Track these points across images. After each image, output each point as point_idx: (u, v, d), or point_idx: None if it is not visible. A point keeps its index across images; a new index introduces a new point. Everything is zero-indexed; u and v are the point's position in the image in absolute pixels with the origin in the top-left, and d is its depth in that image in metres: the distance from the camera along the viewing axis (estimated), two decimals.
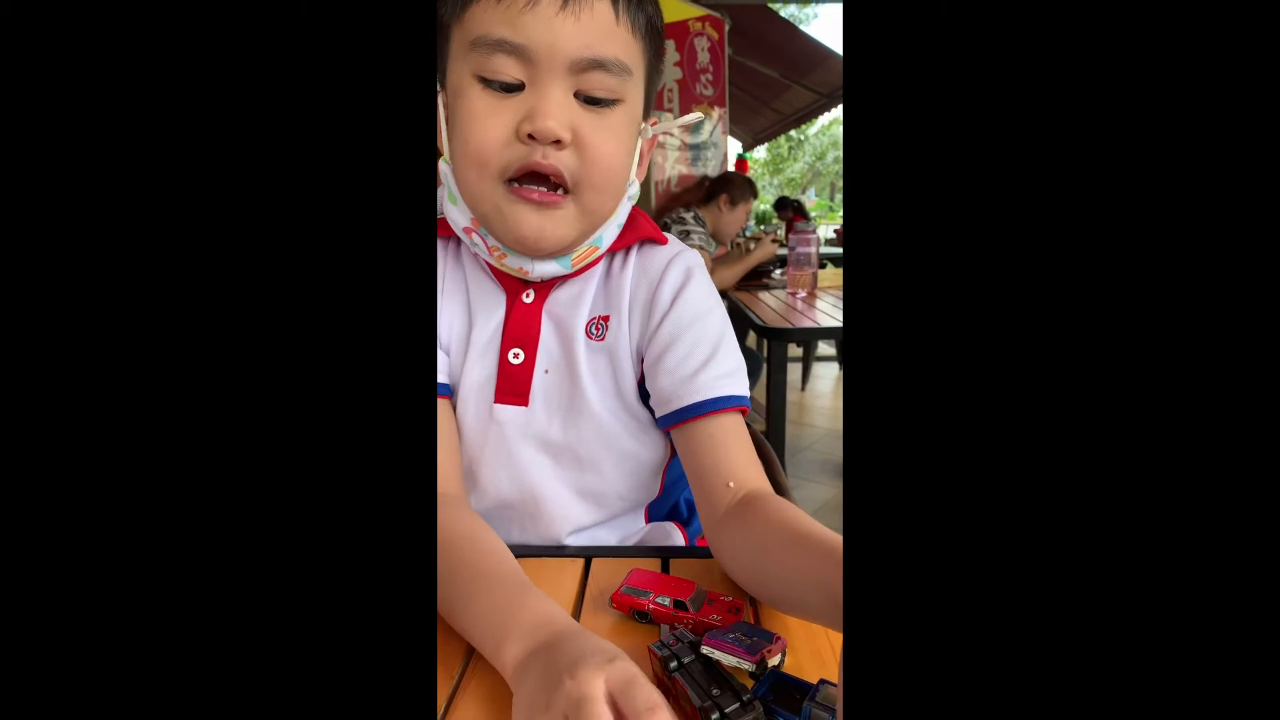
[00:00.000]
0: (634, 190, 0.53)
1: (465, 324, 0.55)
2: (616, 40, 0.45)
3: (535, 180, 0.46)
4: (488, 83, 0.44)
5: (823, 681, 0.35)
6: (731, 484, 0.49)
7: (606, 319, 0.55)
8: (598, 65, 0.44)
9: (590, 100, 0.45)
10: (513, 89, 0.44)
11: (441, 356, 0.54)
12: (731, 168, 3.83)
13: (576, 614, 0.46)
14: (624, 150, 0.49)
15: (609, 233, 0.52)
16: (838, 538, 0.39)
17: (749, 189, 2.34)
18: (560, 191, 0.46)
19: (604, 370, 0.55)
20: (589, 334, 0.54)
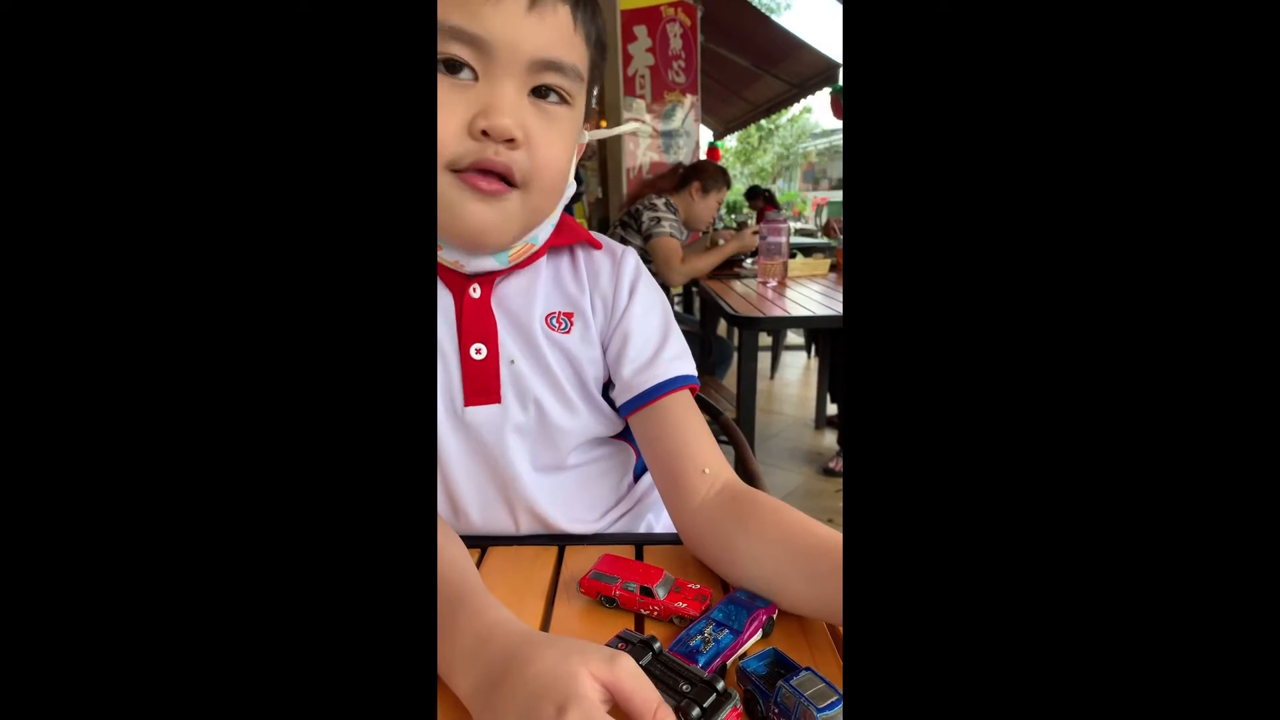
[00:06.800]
0: (572, 190, 0.54)
1: None
2: (573, 46, 0.46)
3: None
4: (439, 69, 0.43)
5: (808, 669, 0.35)
6: (707, 470, 0.51)
7: (570, 315, 0.56)
8: (555, 67, 0.45)
9: (543, 97, 0.46)
10: (462, 71, 0.43)
11: None
12: (704, 155, 3.83)
13: (550, 601, 0.46)
14: (569, 153, 0.50)
15: (544, 231, 0.54)
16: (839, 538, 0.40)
17: (722, 178, 2.34)
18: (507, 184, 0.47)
19: (570, 362, 0.55)
20: (550, 325, 0.55)
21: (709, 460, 0.51)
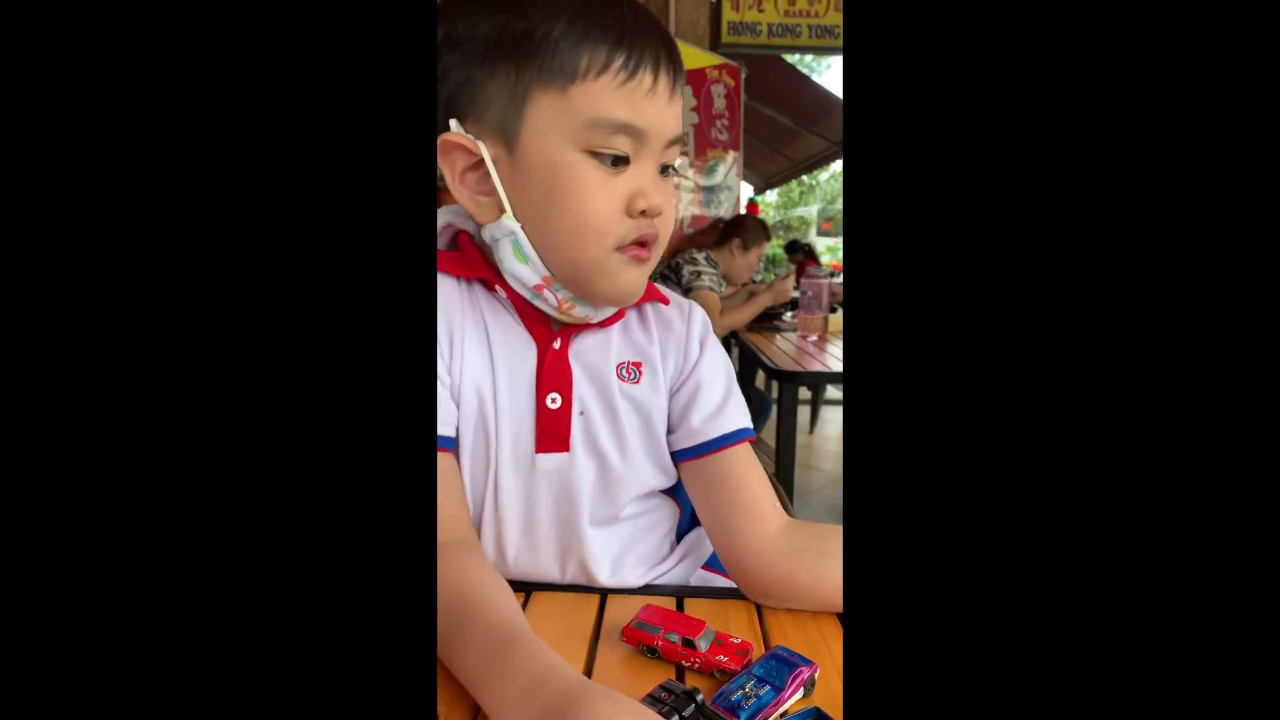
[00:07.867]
0: None
1: (489, 372, 0.56)
2: (681, 118, 0.54)
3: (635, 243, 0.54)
4: (599, 158, 0.50)
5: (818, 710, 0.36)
6: (777, 504, 0.57)
7: (639, 365, 0.59)
8: (678, 140, 0.53)
9: (664, 169, 0.54)
10: (620, 162, 0.50)
11: (447, 407, 0.54)
12: (743, 210, 3.88)
13: (592, 649, 0.46)
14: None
15: None
16: None
17: (762, 233, 2.37)
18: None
19: (638, 412, 0.59)
20: (620, 376, 0.58)
21: (776, 499, 0.58)
